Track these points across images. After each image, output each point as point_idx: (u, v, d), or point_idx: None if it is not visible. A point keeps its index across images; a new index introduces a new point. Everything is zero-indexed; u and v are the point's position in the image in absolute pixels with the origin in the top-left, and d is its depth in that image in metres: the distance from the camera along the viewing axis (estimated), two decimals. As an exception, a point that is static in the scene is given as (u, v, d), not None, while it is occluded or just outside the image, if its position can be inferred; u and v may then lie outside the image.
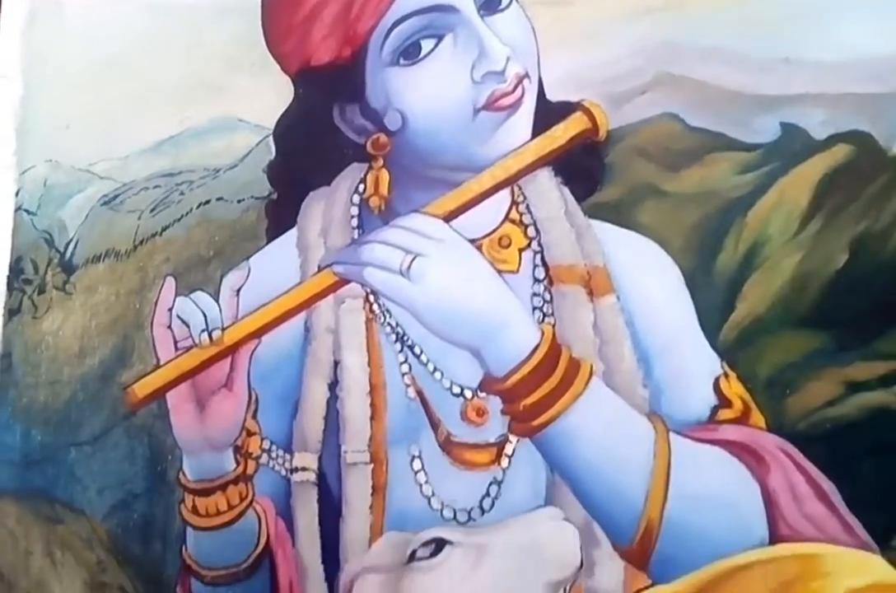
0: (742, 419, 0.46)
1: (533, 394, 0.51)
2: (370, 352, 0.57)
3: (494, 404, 0.53)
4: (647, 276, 0.50)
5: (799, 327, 0.45)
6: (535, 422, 0.51)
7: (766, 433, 0.46)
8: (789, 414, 0.45)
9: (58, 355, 0.68)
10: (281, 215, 0.61)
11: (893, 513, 0.42)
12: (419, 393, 0.55)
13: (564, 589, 0.50)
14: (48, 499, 0.68)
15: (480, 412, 0.53)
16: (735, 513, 0.46)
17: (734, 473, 0.46)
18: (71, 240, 0.69)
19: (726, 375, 0.47)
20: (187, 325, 0.61)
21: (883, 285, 0.43)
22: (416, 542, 0.54)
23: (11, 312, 0.71)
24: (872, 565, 0.43)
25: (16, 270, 0.71)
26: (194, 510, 0.61)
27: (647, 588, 0.48)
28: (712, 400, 0.47)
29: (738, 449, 0.46)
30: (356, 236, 0.58)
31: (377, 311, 0.57)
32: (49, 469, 0.68)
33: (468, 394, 0.53)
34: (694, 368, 0.48)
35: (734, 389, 0.46)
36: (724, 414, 0.47)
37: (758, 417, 0.46)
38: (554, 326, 0.52)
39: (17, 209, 0.72)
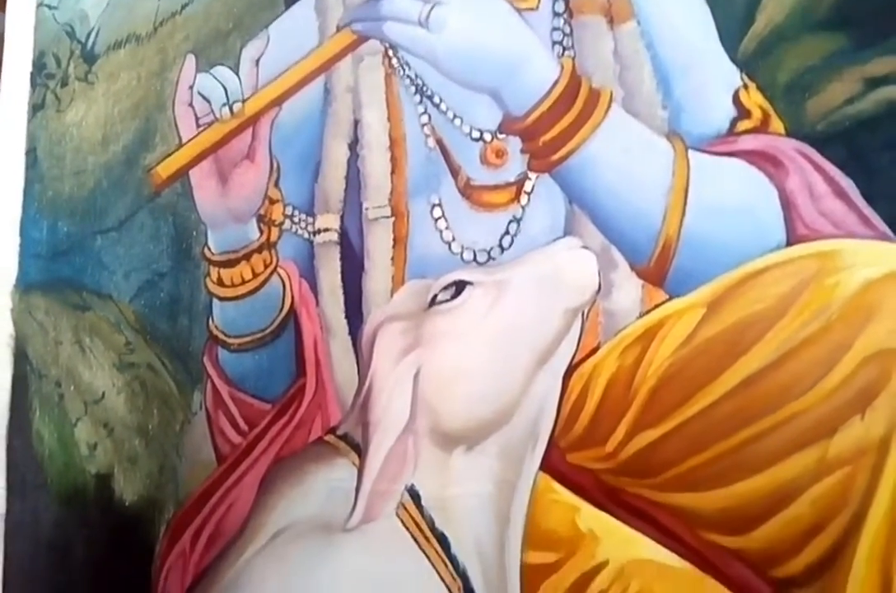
0: (761, 127, 0.46)
1: (553, 128, 0.51)
2: (390, 107, 0.57)
3: (513, 145, 0.53)
4: (668, -2, 0.49)
5: (818, 30, 0.45)
6: (555, 156, 0.51)
7: (784, 138, 0.45)
8: (808, 116, 0.45)
9: (82, 145, 0.69)
10: (299, -22, 0.60)
11: (911, 203, 0.42)
12: (439, 141, 0.55)
13: (583, 314, 0.50)
14: (76, 288, 0.69)
15: (500, 153, 0.53)
16: (753, 220, 0.46)
17: (752, 181, 0.46)
18: (92, 29, 0.69)
19: (746, 87, 0.46)
20: (208, 101, 0.61)
21: (906, -21, 0.42)
22: (436, 287, 0.55)
23: (35, 108, 0.71)
24: (890, 254, 0.43)
25: (38, 66, 0.72)
26: (220, 282, 0.63)
27: (664, 303, 0.48)
28: (732, 112, 0.47)
29: (756, 158, 0.46)
30: (375, -9, 0.58)
31: (396, 65, 0.57)
32: (76, 258, 0.69)
33: (487, 137, 0.54)
34: (713, 83, 0.47)
35: (753, 99, 0.46)
36: (744, 124, 0.47)
37: (777, 124, 0.46)
38: (574, 59, 0.51)
39: (39, 5, 0.72)
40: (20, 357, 0.71)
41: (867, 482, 0.42)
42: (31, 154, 0.71)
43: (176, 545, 0.64)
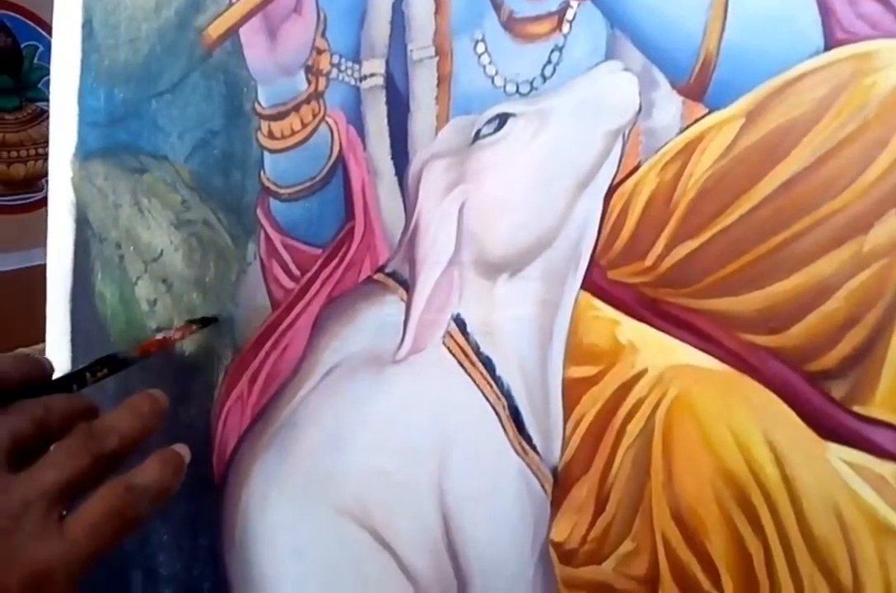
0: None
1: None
2: (434, -54, 0.58)
3: (557, -25, 0.54)
4: None
5: None
6: (597, -19, 0.52)
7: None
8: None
9: (135, 13, 0.71)
10: None
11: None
12: (482, -22, 0.56)
13: (623, 135, 0.52)
14: (133, 152, 0.72)
15: (542, -16, 0.54)
16: (791, 29, 0.46)
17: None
18: None
19: None
20: (256, -42, 0.62)
21: None
22: (480, 122, 0.56)
23: (89, -20, 0.73)
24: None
25: (90, -63, 0.74)
26: (270, 135, 0.65)
27: (704, 116, 0.49)
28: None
29: None
30: None
31: None
32: (132, 123, 0.72)
33: (531, -31, 0.54)
34: None
35: None
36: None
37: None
38: None
39: None
40: (81, 223, 0.75)
41: (904, 269, 0.43)
42: (87, 26, 0.73)
43: (233, 390, 0.67)
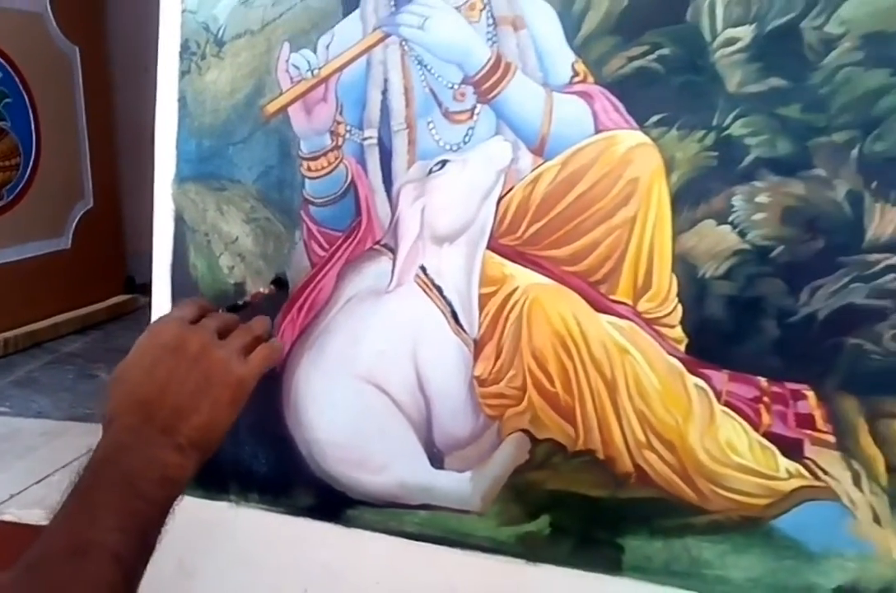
0: (585, 80, 1.01)
1: (489, 80, 1.05)
2: (404, 71, 1.09)
3: (469, 90, 1.07)
4: None
5: (607, 34, 0.99)
6: (491, 95, 1.05)
7: (594, 85, 1.00)
8: (603, 76, 1.00)
9: (217, 94, 1.20)
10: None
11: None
12: (431, 89, 1.08)
13: (505, 173, 1.05)
14: (216, 178, 1.20)
15: (462, 95, 1.06)
16: (581, 126, 1.00)
17: (581, 106, 1.01)
18: (221, 26, 1.19)
19: (577, 60, 1.01)
20: (298, 69, 1.14)
21: None
22: (432, 163, 1.09)
23: (183, 73, 1.21)
24: (636, 136, 0.98)
25: (184, 47, 1.21)
26: (308, 169, 1.15)
27: (542, 163, 1.03)
28: (571, 73, 1.02)
29: (582, 95, 1.01)
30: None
31: (407, 49, 1.10)
32: (215, 161, 1.20)
33: (456, 86, 1.07)
34: (564, 58, 1.02)
35: (581, 67, 1.01)
36: (577, 79, 1.01)
37: (591, 78, 1.01)
38: (498, 46, 1.05)
39: (183, 11, 1.22)
40: (178, 221, 1.22)
41: (629, 232, 0.98)
42: (182, 100, 1.20)
43: (287, 316, 1.18)
